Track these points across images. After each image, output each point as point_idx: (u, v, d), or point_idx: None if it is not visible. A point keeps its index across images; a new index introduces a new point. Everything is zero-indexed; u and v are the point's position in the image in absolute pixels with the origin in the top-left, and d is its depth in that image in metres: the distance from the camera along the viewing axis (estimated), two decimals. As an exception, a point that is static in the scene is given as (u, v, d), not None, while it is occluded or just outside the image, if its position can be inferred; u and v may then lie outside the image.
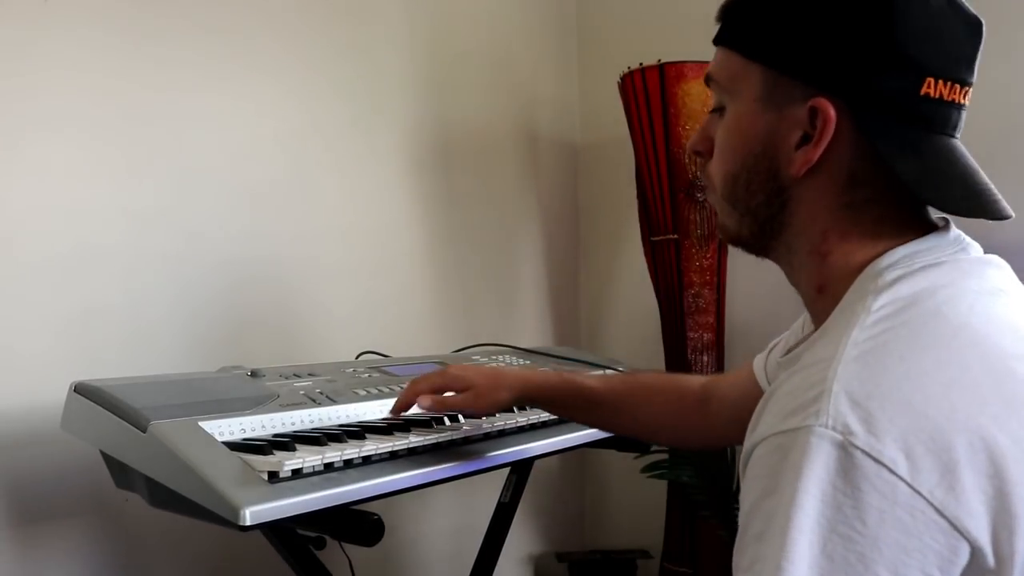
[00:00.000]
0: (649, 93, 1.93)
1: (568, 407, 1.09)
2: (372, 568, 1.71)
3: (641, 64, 1.93)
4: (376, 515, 0.88)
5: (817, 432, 0.57)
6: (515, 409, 1.19)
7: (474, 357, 1.52)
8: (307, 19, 1.71)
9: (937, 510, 0.55)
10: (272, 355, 1.59)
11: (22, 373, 1.27)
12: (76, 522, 1.32)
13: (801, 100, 0.69)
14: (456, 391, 1.05)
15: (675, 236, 1.94)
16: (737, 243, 0.79)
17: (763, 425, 0.62)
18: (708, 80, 0.78)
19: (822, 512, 0.56)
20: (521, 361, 1.52)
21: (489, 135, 2.17)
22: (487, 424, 1.11)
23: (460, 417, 1.12)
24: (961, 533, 0.55)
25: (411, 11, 1.94)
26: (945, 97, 0.68)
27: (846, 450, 0.56)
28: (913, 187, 0.67)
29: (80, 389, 1.01)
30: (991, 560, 0.55)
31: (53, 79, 1.33)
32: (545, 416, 1.20)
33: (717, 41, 0.76)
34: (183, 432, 0.90)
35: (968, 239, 0.73)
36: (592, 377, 1.09)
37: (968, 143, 0.78)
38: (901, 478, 0.55)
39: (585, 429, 1.22)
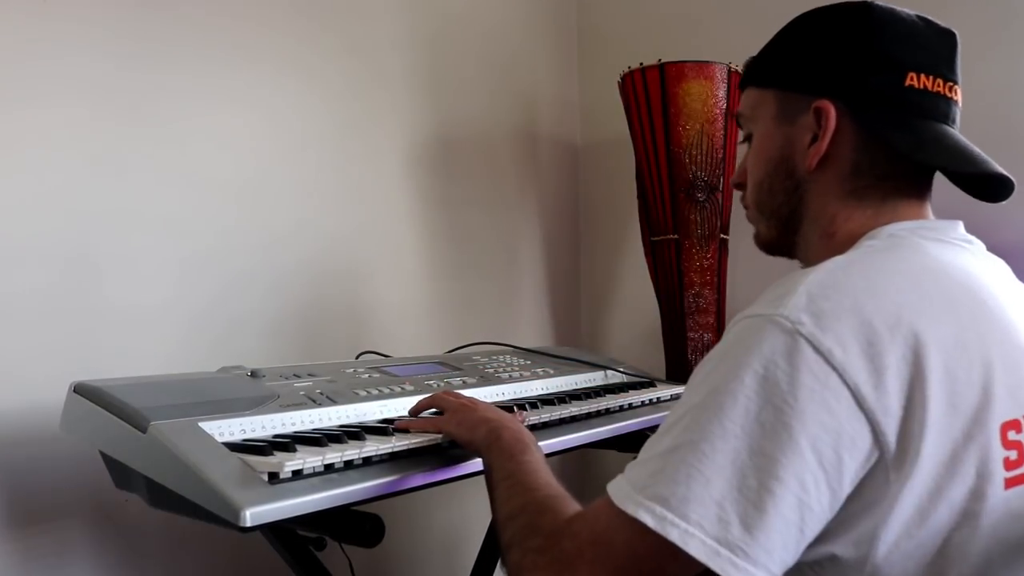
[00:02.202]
0: (649, 93, 1.92)
1: None
2: (372, 569, 1.71)
3: (641, 64, 1.93)
4: (376, 516, 0.88)
5: (775, 320, 0.66)
6: (515, 409, 1.19)
7: (474, 356, 1.52)
8: (308, 20, 1.71)
9: (858, 402, 0.63)
10: (272, 355, 1.59)
11: (22, 373, 1.27)
12: (76, 522, 1.32)
13: (807, 108, 0.82)
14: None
15: (675, 236, 1.94)
16: (771, 248, 0.91)
17: (745, 311, 0.72)
18: (738, 118, 0.92)
19: (762, 385, 0.64)
20: (521, 361, 1.52)
21: (489, 135, 2.17)
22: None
23: None
24: (873, 426, 0.63)
25: (411, 11, 1.94)
26: (930, 88, 0.79)
27: (793, 336, 0.65)
28: (908, 152, 0.78)
29: (80, 389, 1.00)
30: (892, 452, 0.63)
31: (52, 79, 1.33)
32: (546, 417, 1.20)
33: (740, 86, 0.92)
34: (183, 433, 0.90)
35: (974, 238, 0.82)
36: None
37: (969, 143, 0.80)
38: (835, 368, 0.63)
39: (585, 430, 1.23)
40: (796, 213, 0.85)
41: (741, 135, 0.93)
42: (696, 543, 0.62)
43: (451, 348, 1.61)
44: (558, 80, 2.42)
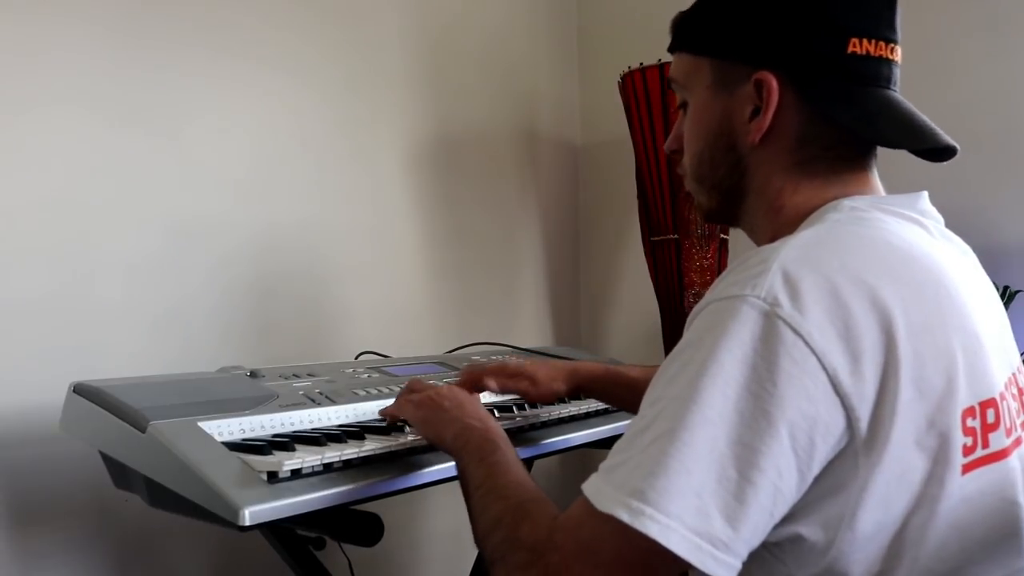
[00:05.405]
0: (649, 93, 1.93)
1: (612, 396, 1.18)
2: (372, 568, 1.71)
3: (641, 64, 1.93)
4: (376, 515, 0.88)
5: (750, 301, 0.63)
6: (514, 409, 1.19)
7: (473, 357, 1.52)
8: (307, 20, 1.71)
9: (835, 388, 0.61)
10: (272, 355, 1.59)
11: (22, 373, 1.27)
12: (76, 522, 1.32)
13: (746, 78, 0.78)
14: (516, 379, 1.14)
15: (675, 236, 1.94)
16: (711, 216, 0.87)
17: (710, 293, 0.68)
18: (670, 84, 0.87)
19: (740, 371, 0.62)
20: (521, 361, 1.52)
21: (489, 135, 2.17)
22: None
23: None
24: (848, 412, 0.62)
25: (412, 11, 1.94)
26: (872, 53, 0.76)
27: (770, 318, 0.62)
28: (854, 127, 0.75)
29: (79, 389, 1.00)
30: (863, 437, 0.62)
31: (50, 79, 1.33)
32: (545, 416, 1.20)
33: (670, 49, 0.86)
34: (182, 432, 0.90)
35: (934, 211, 0.79)
36: (634, 368, 1.17)
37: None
38: (814, 351, 0.61)
39: (585, 429, 1.23)
40: (739, 186, 0.81)
41: (677, 100, 0.88)
42: (677, 537, 0.59)
43: (451, 348, 1.61)
44: (558, 80, 2.42)
